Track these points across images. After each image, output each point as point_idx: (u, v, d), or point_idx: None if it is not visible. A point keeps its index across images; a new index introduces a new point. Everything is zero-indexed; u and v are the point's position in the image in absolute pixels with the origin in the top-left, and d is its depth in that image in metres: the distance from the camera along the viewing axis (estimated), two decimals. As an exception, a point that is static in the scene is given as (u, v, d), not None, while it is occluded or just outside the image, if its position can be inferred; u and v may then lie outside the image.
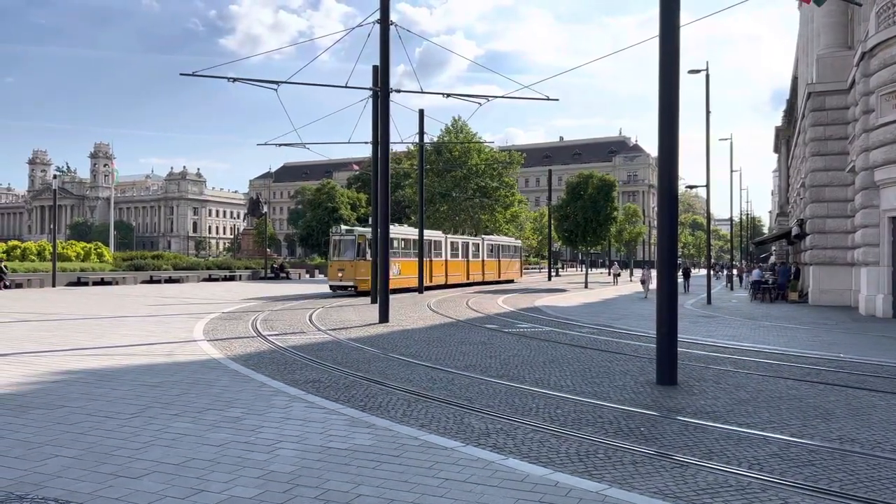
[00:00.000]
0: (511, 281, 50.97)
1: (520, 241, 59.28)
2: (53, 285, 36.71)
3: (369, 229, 30.73)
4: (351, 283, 31.84)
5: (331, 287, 32.55)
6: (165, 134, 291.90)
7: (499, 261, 49.12)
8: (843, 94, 26.41)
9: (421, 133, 35.00)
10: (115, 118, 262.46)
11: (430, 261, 37.60)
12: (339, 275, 32.07)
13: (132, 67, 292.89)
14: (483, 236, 49.18)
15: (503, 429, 7.24)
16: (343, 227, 35.43)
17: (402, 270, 34.67)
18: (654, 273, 31.11)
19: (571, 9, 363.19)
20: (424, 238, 35.63)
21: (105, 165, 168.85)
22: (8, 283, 35.05)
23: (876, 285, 22.44)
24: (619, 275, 57.61)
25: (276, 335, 15.45)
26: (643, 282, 34.56)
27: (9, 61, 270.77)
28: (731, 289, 45.31)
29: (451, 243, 42.87)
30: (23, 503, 4.63)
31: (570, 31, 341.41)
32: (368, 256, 29.74)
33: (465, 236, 48.11)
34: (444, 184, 61.82)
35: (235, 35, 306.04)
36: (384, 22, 19.53)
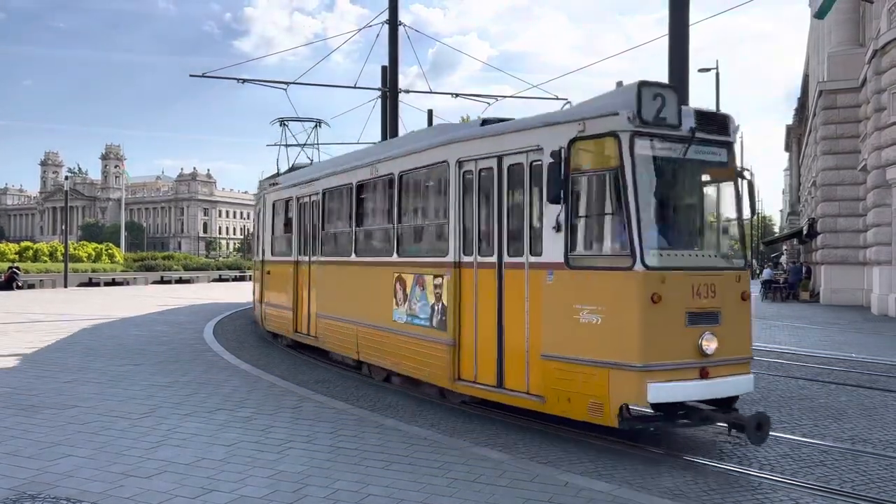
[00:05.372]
0: None
1: None
2: (65, 286, 36.97)
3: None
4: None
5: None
6: (180, 135, 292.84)
7: None
8: (855, 91, 26.22)
9: (430, 133, 34.91)
10: (129, 120, 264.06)
11: None
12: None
13: (148, 70, 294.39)
14: None
15: (513, 429, 7.23)
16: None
17: None
18: None
19: (586, 8, 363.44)
20: None
21: (116, 167, 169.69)
22: (21, 284, 35.34)
23: (888, 284, 22.26)
24: None
25: (286, 336, 15.46)
26: None
27: (28, 64, 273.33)
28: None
29: None
30: (35, 502, 4.67)
31: (585, 31, 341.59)
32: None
33: None
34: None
35: (250, 37, 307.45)
36: (393, 23, 19.59)
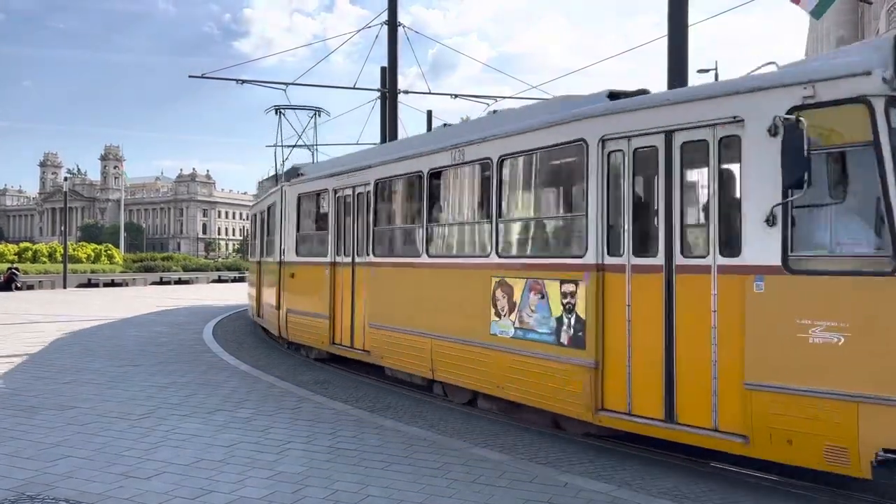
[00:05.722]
0: None
1: None
2: (64, 287, 36.91)
3: None
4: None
5: None
6: (179, 135, 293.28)
7: None
8: (854, 92, 26.25)
9: (429, 134, 34.83)
10: (129, 121, 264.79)
11: None
12: None
13: (147, 70, 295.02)
14: None
15: (512, 430, 7.23)
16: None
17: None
18: None
19: (585, 9, 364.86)
20: None
21: (115, 167, 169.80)
22: (20, 285, 35.29)
23: None
24: None
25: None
26: None
27: (28, 65, 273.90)
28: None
29: None
30: (34, 503, 4.66)
31: (584, 32, 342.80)
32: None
33: None
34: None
35: (250, 38, 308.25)
36: (392, 24, 19.61)
